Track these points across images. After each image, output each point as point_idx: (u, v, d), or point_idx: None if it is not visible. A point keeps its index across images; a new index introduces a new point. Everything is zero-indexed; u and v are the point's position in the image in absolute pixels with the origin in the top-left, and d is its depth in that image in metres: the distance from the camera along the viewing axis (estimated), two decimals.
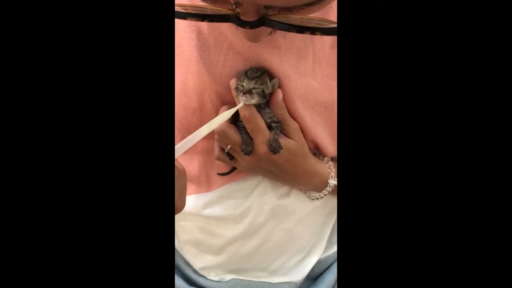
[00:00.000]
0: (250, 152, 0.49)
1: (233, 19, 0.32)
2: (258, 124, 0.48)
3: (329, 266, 0.62)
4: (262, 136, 0.48)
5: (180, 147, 0.40)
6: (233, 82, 0.47)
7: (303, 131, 0.51)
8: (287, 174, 0.51)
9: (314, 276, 0.63)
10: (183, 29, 0.49)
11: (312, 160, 0.52)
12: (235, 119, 0.50)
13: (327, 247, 0.62)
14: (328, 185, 0.53)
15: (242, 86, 0.46)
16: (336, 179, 0.53)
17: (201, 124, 0.51)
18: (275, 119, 0.48)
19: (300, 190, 0.56)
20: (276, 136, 0.48)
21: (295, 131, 0.50)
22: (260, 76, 0.46)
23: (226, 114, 0.45)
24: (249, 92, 0.45)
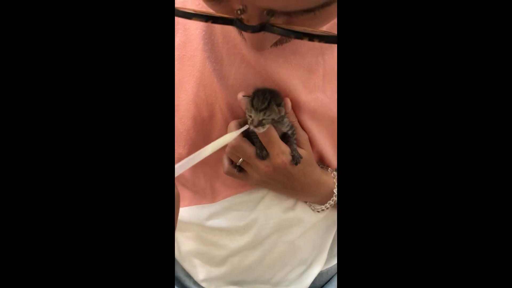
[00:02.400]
0: (266, 156, 0.49)
1: (236, 22, 0.33)
2: (273, 136, 0.48)
3: (331, 278, 0.63)
4: (277, 147, 0.49)
5: (183, 165, 0.40)
6: (240, 95, 0.48)
7: (310, 143, 0.52)
8: (298, 184, 0.52)
9: None
10: (197, 41, 0.49)
11: (319, 170, 0.53)
12: (247, 131, 0.50)
13: (328, 260, 0.62)
14: (334, 194, 0.54)
15: (251, 116, 0.46)
16: None
17: (210, 134, 0.52)
18: (291, 125, 0.50)
19: (305, 202, 0.56)
20: (295, 147, 0.50)
21: (305, 140, 0.51)
22: (267, 107, 0.46)
23: (229, 136, 0.46)
24: (259, 124, 0.46)
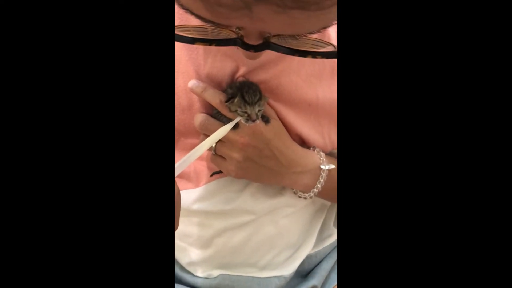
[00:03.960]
0: (237, 126, 0.48)
1: (238, 42, 0.33)
2: None
3: (320, 261, 0.62)
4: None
5: (181, 164, 0.41)
6: (192, 83, 0.48)
7: (287, 126, 0.52)
8: (282, 156, 0.51)
9: (304, 273, 0.62)
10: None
11: (298, 145, 0.53)
12: (209, 111, 0.51)
13: (317, 243, 0.61)
14: (322, 170, 0.53)
15: (246, 113, 0.46)
16: (328, 164, 0.53)
17: (190, 122, 0.52)
18: None
19: (293, 192, 0.56)
20: (260, 108, 0.49)
21: (273, 114, 0.51)
22: (260, 98, 0.47)
23: (224, 129, 0.46)
24: (257, 117, 0.47)
